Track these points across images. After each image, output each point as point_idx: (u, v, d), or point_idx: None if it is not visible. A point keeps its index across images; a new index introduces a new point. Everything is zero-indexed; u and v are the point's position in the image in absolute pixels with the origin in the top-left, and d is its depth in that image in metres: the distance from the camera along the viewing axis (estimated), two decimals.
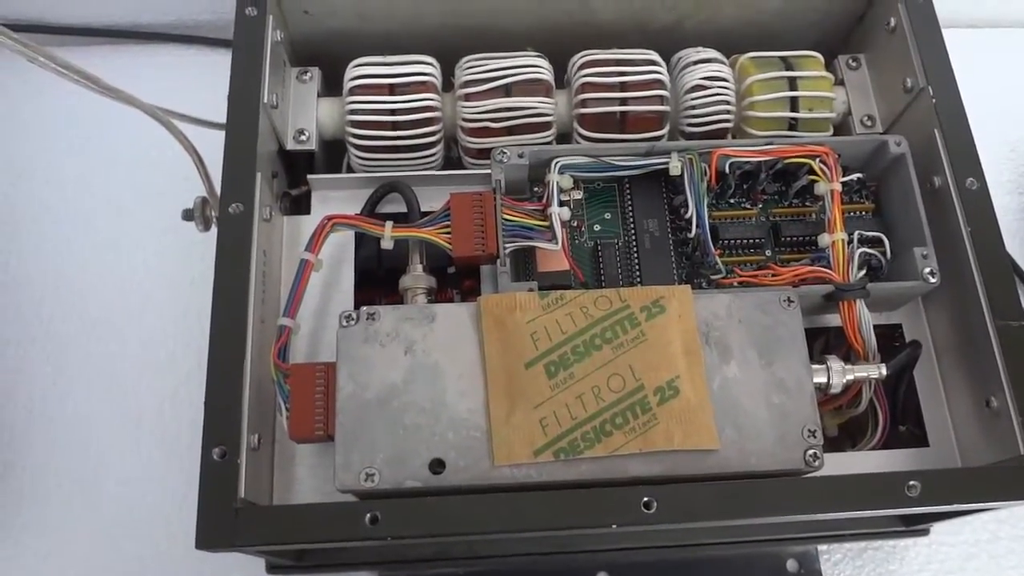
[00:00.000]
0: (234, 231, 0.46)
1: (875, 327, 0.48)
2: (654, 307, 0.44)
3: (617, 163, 0.50)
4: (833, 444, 0.51)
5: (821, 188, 0.50)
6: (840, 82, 0.58)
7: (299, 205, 0.56)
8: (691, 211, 0.49)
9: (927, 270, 0.48)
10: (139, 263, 0.65)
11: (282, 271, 0.51)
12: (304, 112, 0.55)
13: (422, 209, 0.52)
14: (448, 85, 0.56)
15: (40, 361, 0.63)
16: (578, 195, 0.52)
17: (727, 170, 0.51)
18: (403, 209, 0.52)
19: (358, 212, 0.53)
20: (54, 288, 0.65)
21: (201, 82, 0.61)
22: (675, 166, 0.50)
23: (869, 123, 0.57)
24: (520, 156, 0.50)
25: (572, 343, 0.43)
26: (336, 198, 0.53)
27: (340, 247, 0.52)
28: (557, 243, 0.48)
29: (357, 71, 0.54)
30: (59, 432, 0.61)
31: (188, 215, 0.52)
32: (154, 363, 0.63)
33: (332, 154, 0.57)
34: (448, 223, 0.48)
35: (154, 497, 0.59)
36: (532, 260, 0.49)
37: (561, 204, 0.49)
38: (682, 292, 0.45)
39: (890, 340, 0.51)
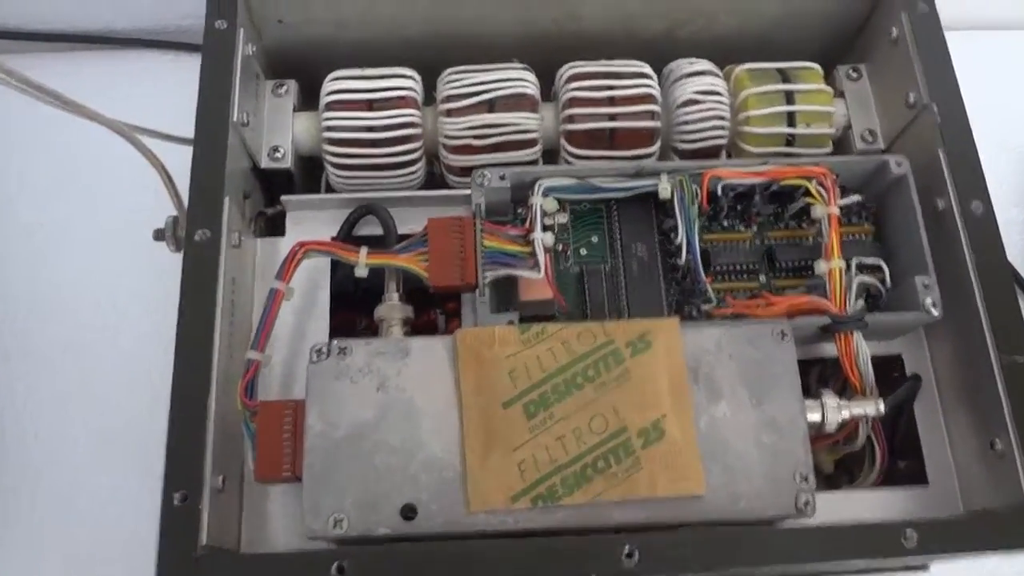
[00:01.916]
0: (200, 259, 0.44)
1: (874, 358, 0.46)
2: (639, 342, 0.42)
3: (603, 185, 0.48)
4: (829, 480, 0.49)
5: (818, 212, 0.47)
6: (840, 94, 0.55)
7: (276, 225, 0.53)
8: (681, 236, 0.47)
9: (929, 301, 0.45)
10: (113, 281, 0.63)
11: (254, 297, 0.49)
12: (279, 128, 0.53)
13: (402, 232, 0.50)
14: (431, 98, 0.53)
15: (13, 379, 0.61)
16: (563, 218, 0.49)
17: (719, 192, 0.48)
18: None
19: (335, 234, 0.51)
20: (27, 305, 0.63)
21: (181, 91, 0.59)
22: (664, 188, 0.47)
23: (870, 138, 0.54)
24: (501, 178, 0.47)
25: (552, 381, 0.41)
26: (312, 219, 0.51)
27: (316, 271, 0.50)
28: (539, 272, 0.46)
29: (333, 85, 0.52)
30: (32, 452, 0.59)
31: (159, 235, 0.50)
32: (128, 381, 0.61)
33: (311, 170, 0.55)
34: (426, 250, 0.46)
35: (128, 519, 0.58)
36: (514, 287, 0.47)
37: (545, 228, 0.47)
38: (669, 326, 0.43)
39: (890, 371, 0.49)
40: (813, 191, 0.48)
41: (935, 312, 0.45)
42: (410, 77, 0.52)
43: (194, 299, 0.44)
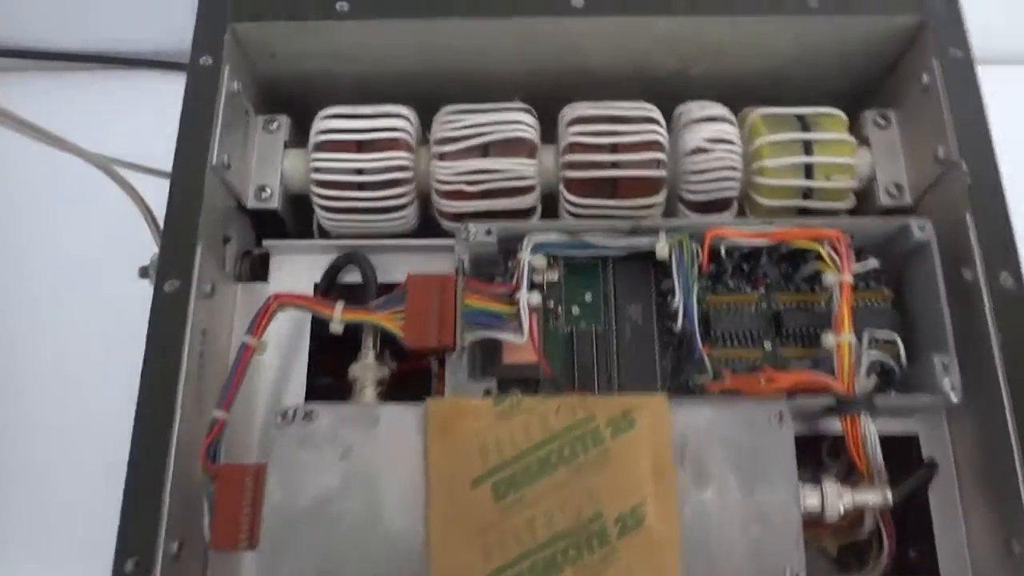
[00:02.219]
0: (167, 310, 0.43)
1: (888, 437, 0.42)
2: (622, 421, 0.39)
3: (597, 243, 0.45)
4: (834, 566, 0.45)
5: (829, 279, 0.44)
6: (865, 141, 0.51)
7: (265, 263, 0.51)
8: (678, 301, 0.44)
9: (947, 383, 0.41)
10: (98, 315, 0.62)
11: (231, 347, 0.47)
12: (269, 165, 0.51)
13: (388, 281, 0.48)
14: (427, 137, 0.51)
15: None
16: (554, 276, 0.46)
17: (723, 252, 0.45)
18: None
19: (319, 279, 0.49)
20: (10, 338, 0.63)
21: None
22: (662, 248, 0.44)
23: (896, 193, 0.50)
24: (488, 233, 0.45)
25: (525, 460, 0.39)
26: (296, 263, 0.49)
27: (297, 320, 0.48)
28: (523, 336, 0.43)
29: (323, 124, 0.49)
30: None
31: (144, 273, 0.48)
32: (106, 410, 0.60)
33: (304, 208, 0.53)
34: (403, 308, 0.43)
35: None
36: (499, 348, 0.44)
37: (534, 286, 0.44)
38: (657, 404, 0.39)
39: (904, 453, 0.45)
40: (825, 256, 0.44)
41: (953, 397, 0.41)
42: (404, 117, 0.50)
43: (158, 354, 0.42)
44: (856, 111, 0.52)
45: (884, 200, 0.50)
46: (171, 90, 0.48)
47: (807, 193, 0.49)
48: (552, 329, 0.46)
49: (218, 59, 0.47)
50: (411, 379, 0.47)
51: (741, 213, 0.51)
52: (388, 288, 0.47)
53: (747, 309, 0.46)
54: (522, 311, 0.43)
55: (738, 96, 0.52)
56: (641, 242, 0.45)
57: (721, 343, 0.46)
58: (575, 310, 0.47)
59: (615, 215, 0.49)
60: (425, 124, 0.52)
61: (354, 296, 0.46)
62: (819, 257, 0.44)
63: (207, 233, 0.45)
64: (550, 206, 0.51)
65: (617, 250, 0.45)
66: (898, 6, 0.48)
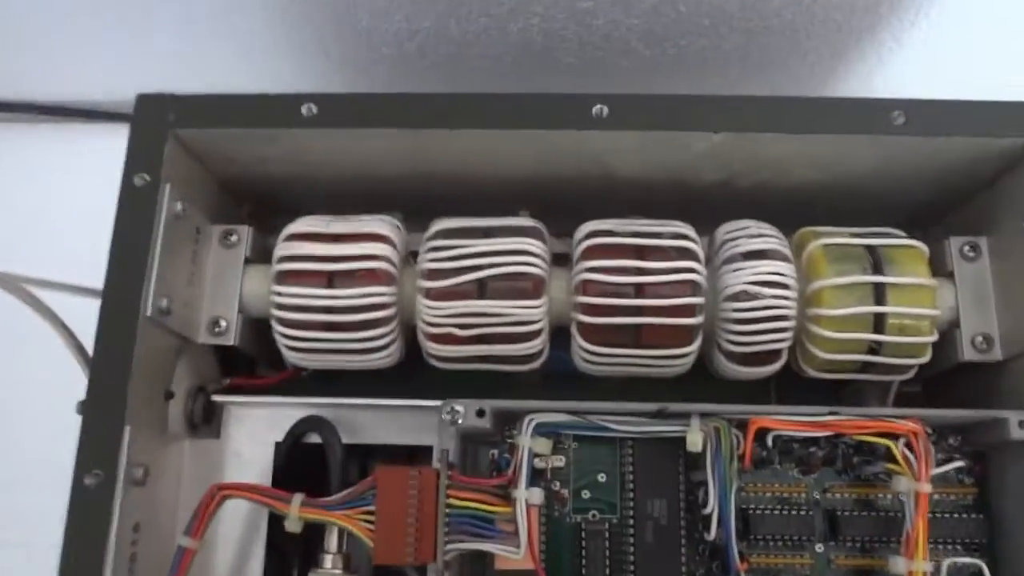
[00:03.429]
0: (88, 508, 0.35)
1: None
2: None
3: (614, 426, 0.37)
4: None
5: (902, 485, 0.35)
6: (949, 275, 0.42)
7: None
8: (712, 506, 0.35)
9: None
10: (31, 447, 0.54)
11: (177, 528, 0.39)
12: (225, 290, 0.43)
13: (367, 443, 0.40)
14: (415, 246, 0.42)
15: None
16: (560, 462, 0.38)
17: (769, 443, 0.36)
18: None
19: (280, 439, 0.41)
20: None
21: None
22: (694, 440, 0.36)
23: (983, 346, 0.41)
24: (479, 415, 0.36)
25: None
26: (253, 419, 0.41)
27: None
28: (520, 547, 0.35)
29: (287, 249, 0.41)
30: None
31: (81, 408, 0.41)
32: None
33: (269, 332, 0.45)
34: (372, 508, 0.36)
35: None
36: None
37: (536, 474, 0.36)
38: None
39: None
40: (898, 455, 0.35)
41: None
42: (384, 238, 0.41)
43: (76, 561, 0.34)
44: (933, 228, 0.43)
45: (968, 353, 0.41)
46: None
47: (874, 348, 0.40)
48: (557, 517, 0.38)
49: (156, 176, 0.39)
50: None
51: (791, 358, 0.42)
52: (364, 453, 0.40)
53: (796, 500, 0.38)
54: (519, 514, 0.35)
55: (792, 210, 0.43)
56: (668, 429, 0.36)
57: (762, 546, 0.37)
58: (585, 494, 0.38)
59: (638, 365, 0.41)
60: (414, 227, 0.43)
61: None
62: (889, 457, 0.36)
63: (139, 400, 0.37)
64: (560, 339, 0.42)
65: (637, 434, 0.37)
66: (1003, 126, 0.38)
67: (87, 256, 0.48)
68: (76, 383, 0.41)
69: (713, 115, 0.39)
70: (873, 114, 0.39)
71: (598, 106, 0.39)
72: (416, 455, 0.42)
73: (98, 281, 0.42)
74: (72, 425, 0.41)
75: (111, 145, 0.50)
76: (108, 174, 0.49)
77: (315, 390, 0.48)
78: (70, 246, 0.55)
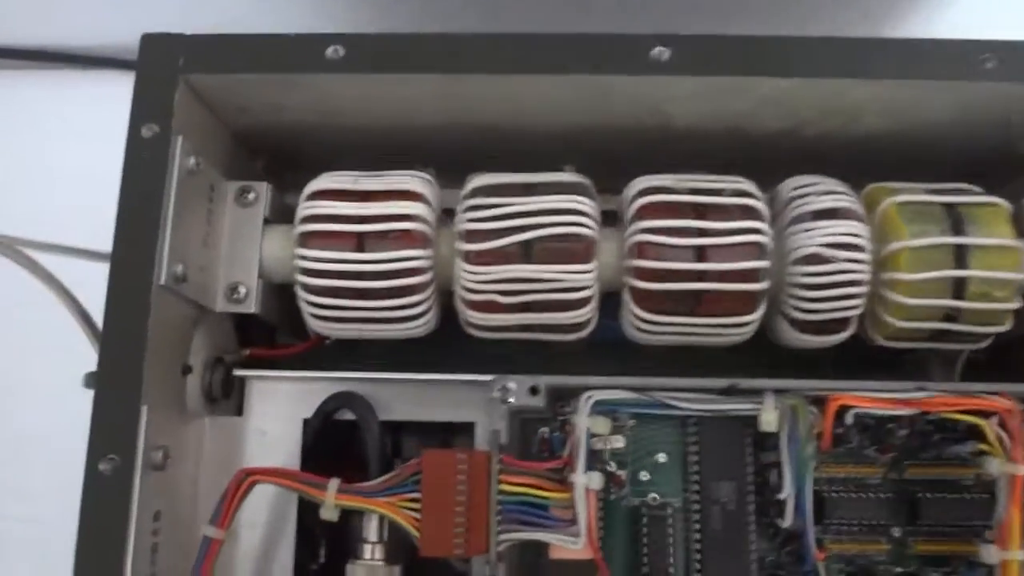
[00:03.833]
0: (103, 497, 0.32)
1: None
2: None
3: (677, 404, 0.33)
4: None
5: (993, 467, 0.32)
6: None
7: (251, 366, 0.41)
8: (787, 491, 0.32)
9: None
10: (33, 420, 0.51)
11: (197, 514, 0.36)
12: (243, 253, 0.39)
13: (400, 419, 0.37)
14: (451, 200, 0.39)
15: None
16: (619, 443, 0.35)
17: (850, 422, 0.33)
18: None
19: (309, 416, 0.38)
20: None
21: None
22: (769, 420, 0.33)
23: None
24: (533, 392, 0.33)
25: None
26: (278, 394, 0.38)
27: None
28: (579, 537, 0.32)
29: (312, 208, 0.37)
30: None
31: (89, 382, 0.38)
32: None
33: (291, 298, 0.41)
34: (418, 494, 0.33)
35: None
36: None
37: (594, 456, 0.33)
38: None
39: None
40: (991, 435, 0.32)
41: None
42: (419, 196, 0.37)
43: (94, 555, 0.31)
44: (1010, 185, 0.40)
45: None
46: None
47: (952, 315, 0.37)
48: (614, 500, 0.35)
49: (166, 127, 0.35)
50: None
51: (859, 327, 0.39)
52: (394, 430, 0.37)
53: (871, 482, 0.35)
54: (578, 500, 0.32)
55: (857, 162, 0.39)
56: (739, 407, 0.33)
57: (835, 532, 0.35)
58: (643, 475, 0.35)
59: (695, 334, 0.38)
60: (447, 183, 0.39)
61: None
62: (978, 435, 0.33)
63: (155, 377, 0.33)
64: (609, 306, 0.39)
65: (705, 412, 0.34)
66: None
67: (80, 215, 0.44)
68: (79, 351, 0.38)
69: (785, 58, 0.35)
70: (962, 57, 0.35)
71: (657, 48, 0.35)
72: (452, 433, 0.39)
73: (94, 242, 0.39)
74: (75, 397, 0.38)
75: (106, 94, 0.46)
76: (103, 126, 0.45)
77: (337, 359, 0.45)
78: (62, 204, 0.51)
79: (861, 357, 0.40)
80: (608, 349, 0.39)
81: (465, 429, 0.37)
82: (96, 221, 0.41)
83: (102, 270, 0.35)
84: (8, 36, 0.54)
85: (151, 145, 0.34)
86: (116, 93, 0.49)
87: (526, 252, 0.36)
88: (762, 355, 0.39)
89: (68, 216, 0.46)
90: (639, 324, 0.37)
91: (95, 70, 0.55)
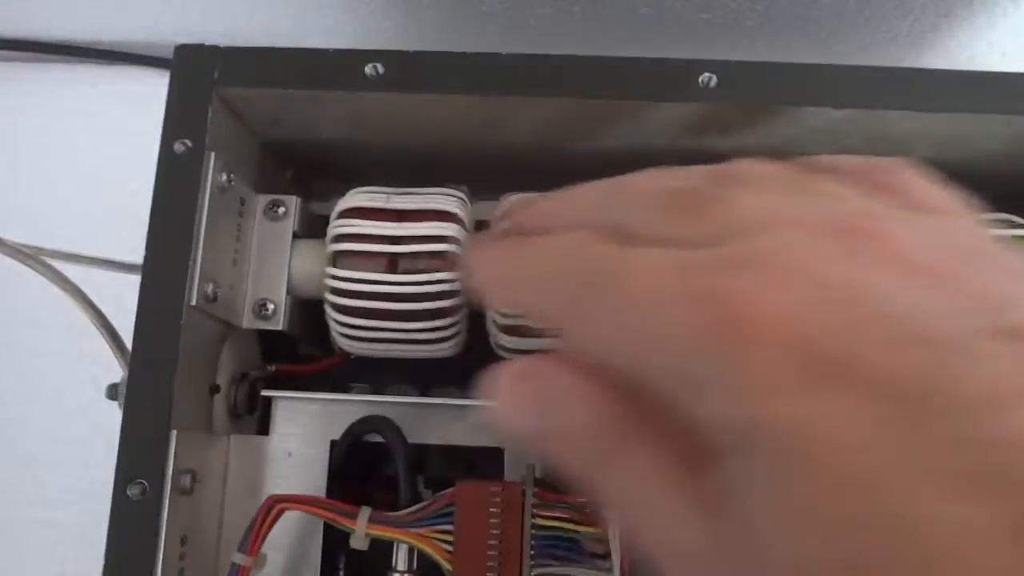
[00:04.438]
0: (130, 523, 0.31)
1: None
2: None
3: None
4: None
5: None
6: None
7: (275, 384, 0.40)
8: None
9: None
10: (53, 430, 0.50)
11: (223, 535, 0.36)
12: (272, 268, 0.38)
13: (428, 442, 0.36)
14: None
15: None
16: None
17: None
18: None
19: (340, 436, 0.37)
20: None
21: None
22: None
23: None
24: None
25: None
26: (305, 415, 0.37)
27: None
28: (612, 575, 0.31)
29: (343, 226, 0.36)
30: None
31: (112, 393, 0.37)
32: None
33: (315, 310, 0.41)
34: (450, 526, 0.32)
35: None
36: None
37: None
38: None
39: None
40: None
41: None
42: (453, 216, 0.37)
43: None
44: None
45: None
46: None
47: None
48: None
49: (199, 143, 0.34)
50: None
51: None
52: (418, 454, 0.36)
53: None
54: (612, 536, 0.32)
55: None
56: None
57: None
58: None
59: None
60: (483, 196, 0.39)
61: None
62: None
63: (184, 398, 0.33)
64: None
65: None
66: None
67: (91, 218, 0.43)
68: (100, 357, 0.37)
69: (838, 88, 0.34)
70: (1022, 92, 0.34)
71: (705, 75, 0.34)
72: (478, 459, 0.38)
73: (118, 248, 0.38)
74: (96, 403, 0.37)
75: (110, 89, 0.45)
76: (109, 121, 0.44)
77: (361, 373, 0.44)
78: (80, 208, 0.50)
79: None
80: None
81: (492, 455, 0.37)
82: (119, 227, 0.40)
83: (128, 280, 0.35)
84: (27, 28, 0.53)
85: (183, 161, 0.34)
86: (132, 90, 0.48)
87: None
88: None
89: (90, 222, 0.45)
90: None
91: (116, 65, 0.54)
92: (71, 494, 0.49)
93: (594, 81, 0.34)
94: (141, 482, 0.31)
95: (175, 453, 0.32)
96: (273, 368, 0.41)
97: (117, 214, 0.44)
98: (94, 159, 0.51)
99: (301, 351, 0.44)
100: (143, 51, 0.53)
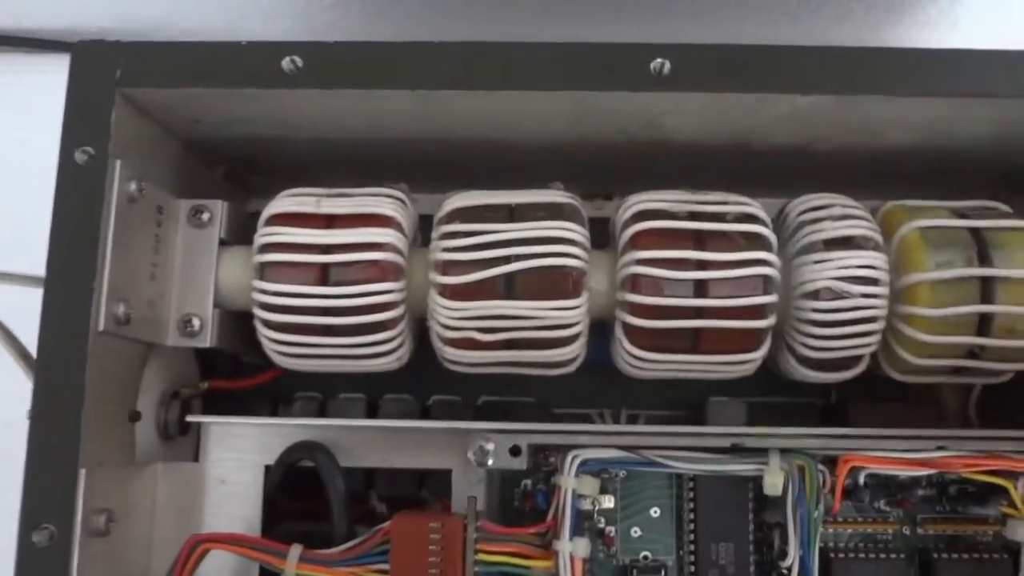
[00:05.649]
0: (39, 572, 0.29)
1: None
2: None
3: (676, 465, 0.30)
4: None
5: (1019, 533, 0.30)
6: None
7: (212, 404, 0.38)
8: (792, 556, 0.30)
9: None
10: None
11: (151, 569, 0.33)
12: (197, 281, 0.35)
13: (371, 466, 0.34)
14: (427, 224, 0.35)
15: None
16: (609, 503, 0.32)
17: (862, 482, 0.30)
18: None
19: (271, 462, 0.35)
20: None
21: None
22: (774, 484, 0.30)
23: None
24: (514, 453, 0.30)
25: None
26: (238, 439, 0.35)
27: None
28: None
29: (270, 236, 0.33)
30: None
31: None
32: None
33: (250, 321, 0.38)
34: (385, 565, 0.30)
35: None
36: None
37: (580, 518, 0.30)
38: None
39: None
40: (1016, 497, 0.30)
41: None
42: (389, 220, 0.34)
43: None
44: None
45: None
46: None
47: (975, 352, 0.34)
48: (601, 560, 0.32)
49: (102, 150, 0.31)
50: None
51: (872, 361, 0.36)
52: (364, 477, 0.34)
53: (882, 538, 0.32)
54: (562, 569, 0.29)
55: (881, 174, 0.36)
56: (743, 468, 0.30)
57: None
58: (635, 531, 0.33)
59: (693, 371, 0.34)
60: (422, 189, 0.36)
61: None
62: (1006, 498, 0.30)
63: (96, 430, 0.30)
64: (599, 338, 0.36)
65: (704, 473, 0.31)
66: None
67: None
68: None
69: (804, 73, 0.31)
70: (1012, 72, 0.31)
71: (658, 60, 0.31)
72: (425, 481, 0.36)
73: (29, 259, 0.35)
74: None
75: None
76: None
77: (306, 384, 0.42)
78: None
79: (871, 382, 0.37)
80: (598, 371, 0.36)
81: (440, 477, 0.34)
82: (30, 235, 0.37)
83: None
84: None
85: (85, 172, 0.31)
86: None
87: (508, 286, 0.33)
88: (758, 381, 0.36)
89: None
90: (632, 361, 0.34)
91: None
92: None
93: (535, 71, 0.31)
94: (47, 527, 0.29)
95: (84, 492, 0.29)
96: (206, 385, 0.38)
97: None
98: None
99: (245, 361, 0.41)
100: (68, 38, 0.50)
